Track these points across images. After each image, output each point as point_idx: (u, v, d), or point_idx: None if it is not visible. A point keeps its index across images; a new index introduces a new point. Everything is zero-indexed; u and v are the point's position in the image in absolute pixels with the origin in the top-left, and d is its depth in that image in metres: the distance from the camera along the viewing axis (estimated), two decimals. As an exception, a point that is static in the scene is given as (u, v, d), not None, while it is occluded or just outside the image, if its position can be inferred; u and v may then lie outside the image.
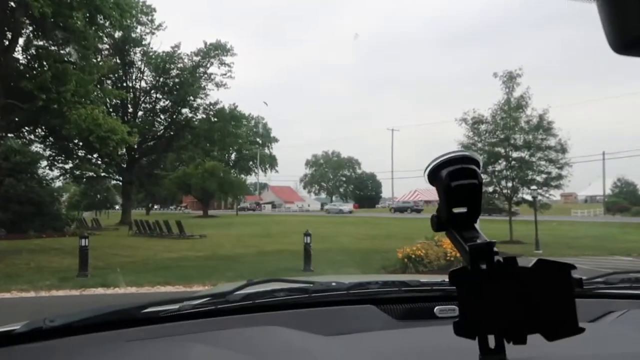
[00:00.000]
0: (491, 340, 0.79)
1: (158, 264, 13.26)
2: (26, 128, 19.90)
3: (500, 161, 19.02)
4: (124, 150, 35.44)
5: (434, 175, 0.82)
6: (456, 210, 0.81)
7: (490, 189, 19.24)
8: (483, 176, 0.84)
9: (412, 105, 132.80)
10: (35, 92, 13.88)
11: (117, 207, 70.58)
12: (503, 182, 19.14)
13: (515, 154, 18.93)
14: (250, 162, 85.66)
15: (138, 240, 22.36)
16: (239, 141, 48.28)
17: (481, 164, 0.84)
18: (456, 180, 0.79)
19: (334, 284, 1.41)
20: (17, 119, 16.38)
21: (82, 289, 9.45)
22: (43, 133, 21.33)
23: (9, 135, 21.03)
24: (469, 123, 19.22)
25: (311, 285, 1.38)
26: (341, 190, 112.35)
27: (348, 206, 64.96)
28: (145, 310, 1.21)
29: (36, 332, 1.10)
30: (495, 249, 0.77)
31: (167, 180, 48.31)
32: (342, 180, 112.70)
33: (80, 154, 32.18)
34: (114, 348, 1.08)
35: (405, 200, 65.56)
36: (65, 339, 1.11)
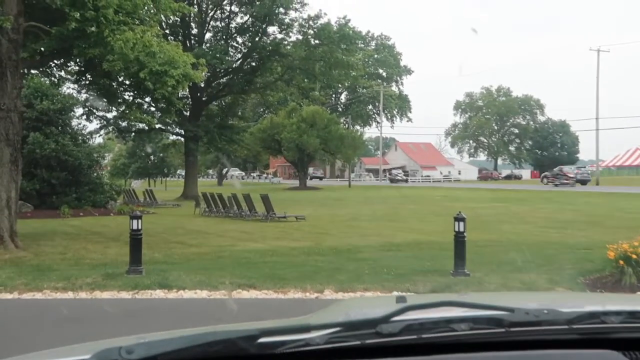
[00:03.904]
0: None
1: (237, 257, 13.93)
2: (55, 62, 21.49)
3: None
4: (187, 90, 37.18)
5: None
6: None
7: None
8: None
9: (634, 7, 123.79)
10: (66, 10, 14.89)
11: (177, 174, 74.98)
12: None
13: None
14: (369, 107, 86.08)
15: (208, 223, 23.66)
16: (352, 74, 48.10)
17: None
18: None
19: (545, 311, 1.37)
20: (42, 49, 17.71)
21: (134, 290, 10.22)
22: (77, 68, 22.97)
23: (32, 71, 22.84)
24: None
25: (509, 313, 1.36)
26: (512, 148, 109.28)
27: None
28: (260, 342, 1.26)
29: None
30: None
31: (247, 135, 49.91)
32: (514, 133, 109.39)
33: (126, 97, 34.22)
34: None
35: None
36: None
